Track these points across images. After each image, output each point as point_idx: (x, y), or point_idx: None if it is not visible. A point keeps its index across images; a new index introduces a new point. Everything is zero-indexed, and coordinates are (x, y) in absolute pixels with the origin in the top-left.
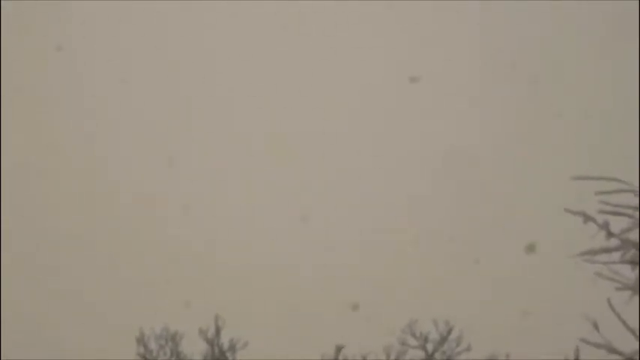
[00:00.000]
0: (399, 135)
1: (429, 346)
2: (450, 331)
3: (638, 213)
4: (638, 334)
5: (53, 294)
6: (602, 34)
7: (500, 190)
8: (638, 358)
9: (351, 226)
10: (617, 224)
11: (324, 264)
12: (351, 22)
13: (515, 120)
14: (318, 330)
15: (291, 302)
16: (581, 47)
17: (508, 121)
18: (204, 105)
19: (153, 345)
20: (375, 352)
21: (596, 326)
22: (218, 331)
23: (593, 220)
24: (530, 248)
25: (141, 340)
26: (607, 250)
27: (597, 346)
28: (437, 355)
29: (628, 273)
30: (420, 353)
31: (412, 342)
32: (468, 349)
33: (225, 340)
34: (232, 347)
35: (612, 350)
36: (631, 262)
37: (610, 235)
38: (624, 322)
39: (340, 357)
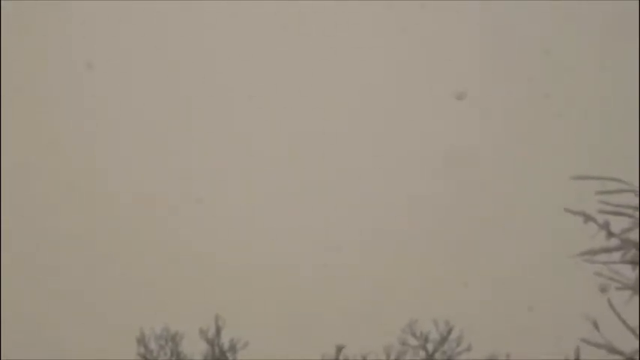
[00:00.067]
0: (399, 135)
1: (430, 346)
2: (450, 331)
3: (638, 213)
4: (638, 333)
5: (53, 294)
6: (602, 34)
7: (500, 190)
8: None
9: (351, 226)
10: (618, 224)
11: (324, 264)
12: (351, 22)
13: (515, 120)
14: (318, 330)
15: (291, 302)
16: (581, 47)
17: (508, 121)
18: (203, 105)
19: (153, 345)
20: (375, 352)
21: (596, 326)
22: (218, 331)
23: (594, 219)
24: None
25: (141, 341)
26: (607, 250)
27: (598, 346)
28: (437, 355)
29: (628, 273)
30: (421, 353)
31: (412, 342)
32: (469, 349)
33: (225, 340)
34: (233, 347)
35: (613, 350)
36: (631, 262)
37: (610, 235)
38: (624, 322)
39: (340, 357)
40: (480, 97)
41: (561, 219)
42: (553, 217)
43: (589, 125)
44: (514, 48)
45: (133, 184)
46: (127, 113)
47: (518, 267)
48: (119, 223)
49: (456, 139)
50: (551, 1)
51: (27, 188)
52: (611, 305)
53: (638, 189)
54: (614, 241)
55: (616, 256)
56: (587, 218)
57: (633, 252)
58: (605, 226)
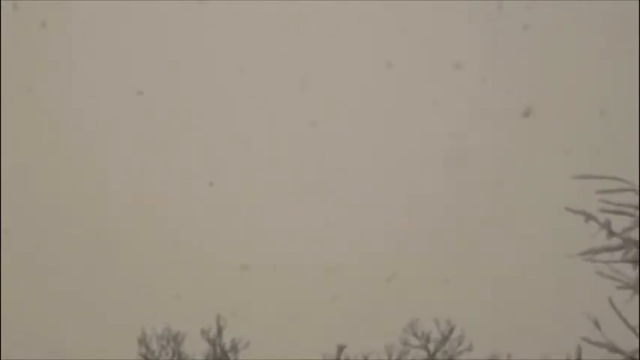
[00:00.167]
0: (400, 135)
1: (431, 346)
2: (451, 331)
3: (639, 212)
4: (639, 332)
5: (53, 294)
6: (602, 34)
7: (500, 190)
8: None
9: (351, 226)
10: (619, 223)
11: (324, 264)
12: (351, 22)
13: (515, 120)
14: (318, 330)
15: (291, 302)
16: (581, 47)
17: (508, 121)
18: (203, 105)
19: (155, 345)
20: (376, 351)
21: (597, 325)
22: (220, 331)
23: (595, 219)
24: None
25: (143, 341)
26: (608, 249)
27: (599, 345)
28: (439, 355)
29: (629, 272)
30: (422, 353)
31: (414, 342)
32: (470, 348)
33: (227, 340)
34: (234, 347)
35: (614, 349)
36: (632, 261)
37: (611, 234)
38: (625, 321)
39: (342, 357)
40: (480, 97)
41: (562, 218)
42: (554, 217)
43: (589, 125)
44: (514, 48)
45: (133, 184)
46: (126, 113)
47: (519, 267)
48: (119, 223)
49: (455, 139)
50: (551, 1)
51: (27, 188)
52: (612, 304)
53: (638, 188)
54: (615, 240)
55: (617, 255)
56: (588, 217)
57: (634, 251)
58: (606, 225)
